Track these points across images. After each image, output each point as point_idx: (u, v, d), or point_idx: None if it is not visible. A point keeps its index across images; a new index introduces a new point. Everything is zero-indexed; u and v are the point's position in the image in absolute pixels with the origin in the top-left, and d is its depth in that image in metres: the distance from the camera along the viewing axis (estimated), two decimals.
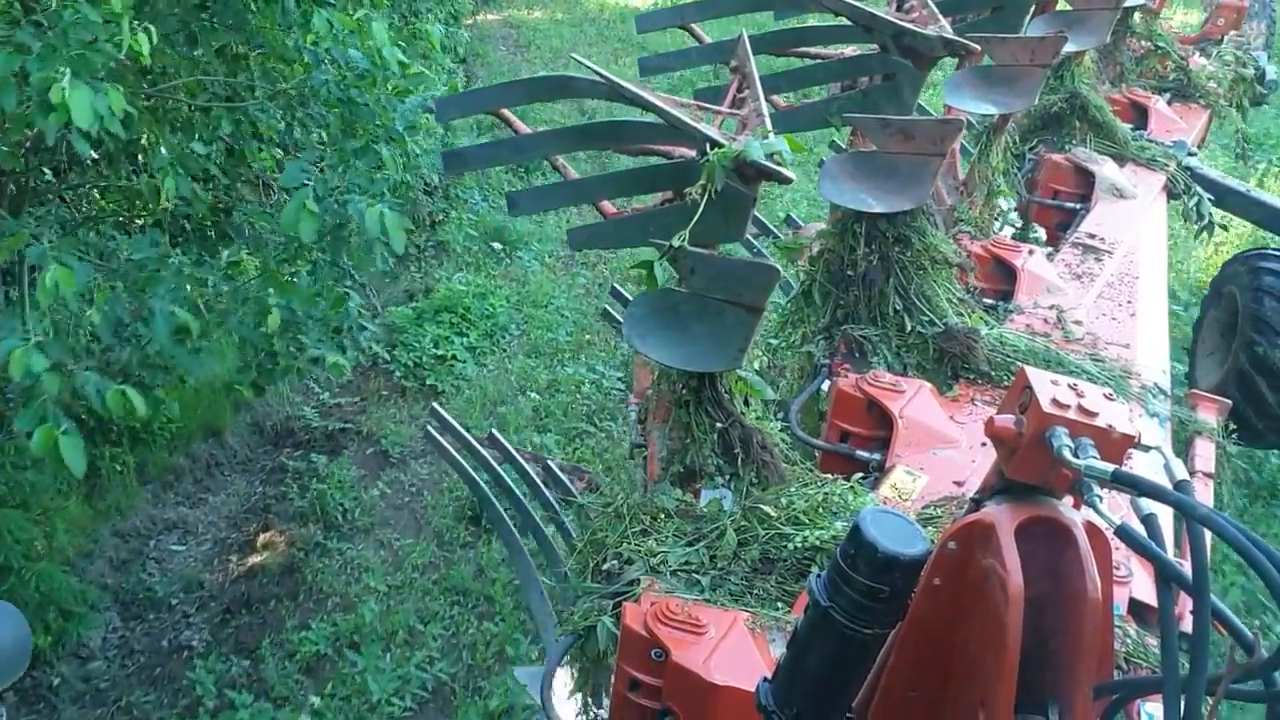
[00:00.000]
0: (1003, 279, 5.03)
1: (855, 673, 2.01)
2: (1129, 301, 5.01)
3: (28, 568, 6.23)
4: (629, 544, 3.19)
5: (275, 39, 5.44)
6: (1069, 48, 5.82)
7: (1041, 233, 6.11)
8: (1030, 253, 5.12)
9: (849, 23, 4.68)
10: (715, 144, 3.18)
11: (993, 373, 4.24)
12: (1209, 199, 6.63)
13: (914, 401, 3.92)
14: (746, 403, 3.52)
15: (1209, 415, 4.79)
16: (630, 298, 3.75)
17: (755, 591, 3.04)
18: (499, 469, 4.46)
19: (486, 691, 6.35)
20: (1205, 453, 4.54)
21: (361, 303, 5.67)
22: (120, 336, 4.82)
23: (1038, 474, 1.75)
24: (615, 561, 3.17)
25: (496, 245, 11.33)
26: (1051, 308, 4.77)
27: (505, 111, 4.02)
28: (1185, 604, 1.67)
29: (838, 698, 2.06)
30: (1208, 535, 1.63)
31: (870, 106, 4.59)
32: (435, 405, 4.94)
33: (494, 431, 4.58)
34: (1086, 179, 6.18)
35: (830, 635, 1.97)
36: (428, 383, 9.17)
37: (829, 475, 3.50)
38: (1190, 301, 9.27)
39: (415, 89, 5.21)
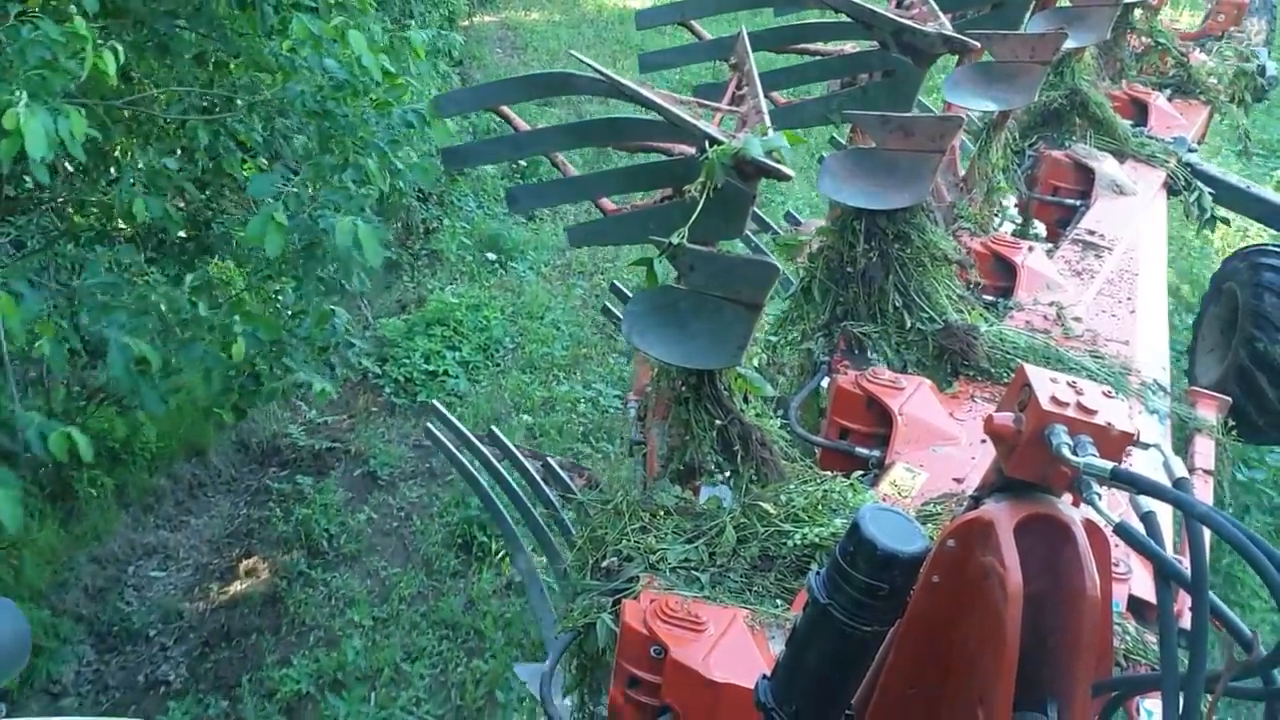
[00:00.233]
0: (1002, 276, 5.03)
1: (854, 670, 2.01)
2: (1129, 298, 5.01)
3: None
4: (628, 541, 3.19)
5: (252, 46, 5.24)
6: (1069, 44, 5.81)
7: (1041, 229, 6.11)
8: (1030, 249, 5.12)
9: (849, 19, 4.68)
10: (715, 141, 3.18)
11: (993, 370, 4.24)
12: (1209, 194, 6.63)
13: (914, 398, 3.93)
14: (746, 400, 3.52)
15: (1209, 412, 4.79)
16: (630, 294, 3.75)
17: (754, 589, 3.04)
18: (499, 466, 4.46)
19: None
20: (1205, 450, 4.54)
21: (349, 318, 5.50)
22: (77, 367, 4.73)
23: (1036, 471, 1.75)
24: (615, 559, 3.18)
25: (491, 255, 10.99)
26: (1051, 304, 4.77)
27: (505, 109, 4.02)
28: (1184, 601, 1.67)
29: (837, 695, 2.06)
30: (1206, 533, 1.63)
31: (870, 103, 4.58)
32: (435, 403, 4.94)
33: (494, 429, 4.58)
34: (1086, 175, 6.18)
35: (829, 633, 1.97)
36: (419, 399, 8.86)
37: (828, 472, 3.50)
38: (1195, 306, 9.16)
39: (399, 100, 5.00)
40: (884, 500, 3.36)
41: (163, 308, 4.86)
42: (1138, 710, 2.54)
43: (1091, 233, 5.56)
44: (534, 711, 6.21)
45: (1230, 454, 6.89)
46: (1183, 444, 4.62)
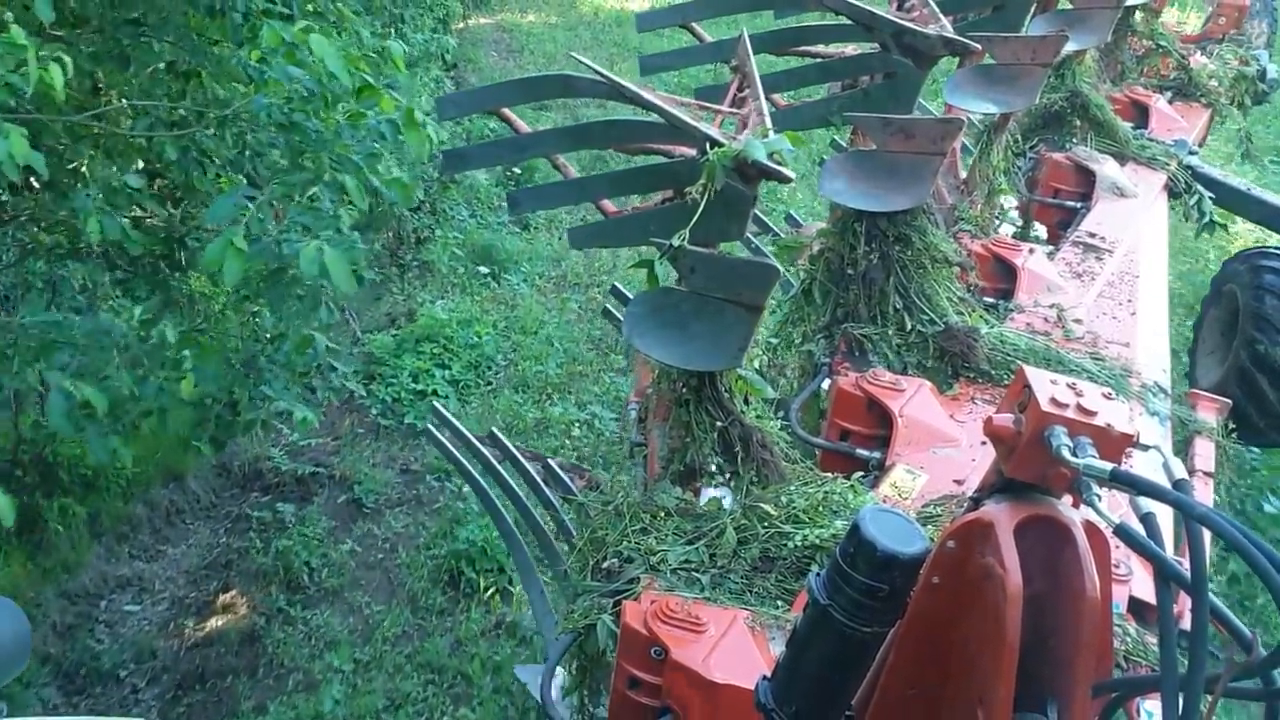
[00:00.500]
0: (1003, 278, 5.04)
1: (854, 671, 2.02)
2: (1129, 300, 5.01)
3: None
4: (629, 542, 3.19)
5: (220, 56, 4.97)
6: (1070, 47, 5.82)
7: (1042, 231, 6.12)
8: (1031, 251, 5.13)
9: (850, 22, 4.68)
10: (716, 143, 3.19)
11: (993, 371, 4.24)
12: (1210, 197, 6.63)
13: (914, 400, 3.93)
14: (746, 401, 3.52)
15: (1209, 414, 4.79)
16: (631, 296, 3.75)
17: (755, 590, 3.04)
18: (499, 468, 4.45)
19: None
20: (1205, 452, 4.54)
21: (330, 343, 5.17)
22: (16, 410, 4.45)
23: (1036, 473, 1.75)
24: (615, 560, 3.18)
25: (484, 269, 10.57)
26: (1052, 306, 4.78)
27: (506, 111, 4.02)
28: (1184, 602, 1.67)
29: (837, 696, 2.06)
30: (1206, 534, 1.63)
31: (871, 106, 4.59)
32: (436, 404, 4.94)
33: (494, 430, 4.57)
34: (1087, 178, 6.18)
35: (830, 634, 1.97)
36: (406, 420, 8.42)
37: (829, 474, 3.51)
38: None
39: (374, 110, 4.64)
40: (884, 502, 3.37)
41: (124, 335, 4.58)
42: (1138, 711, 2.54)
43: (1092, 235, 5.56)
44: None
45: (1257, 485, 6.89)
46: (1183, 446, 4.62)
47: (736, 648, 2.77)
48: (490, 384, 8.93)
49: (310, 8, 5.21)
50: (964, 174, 5.57)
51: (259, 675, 6.35)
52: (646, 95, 3.47)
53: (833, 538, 3.06)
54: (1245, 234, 9.90)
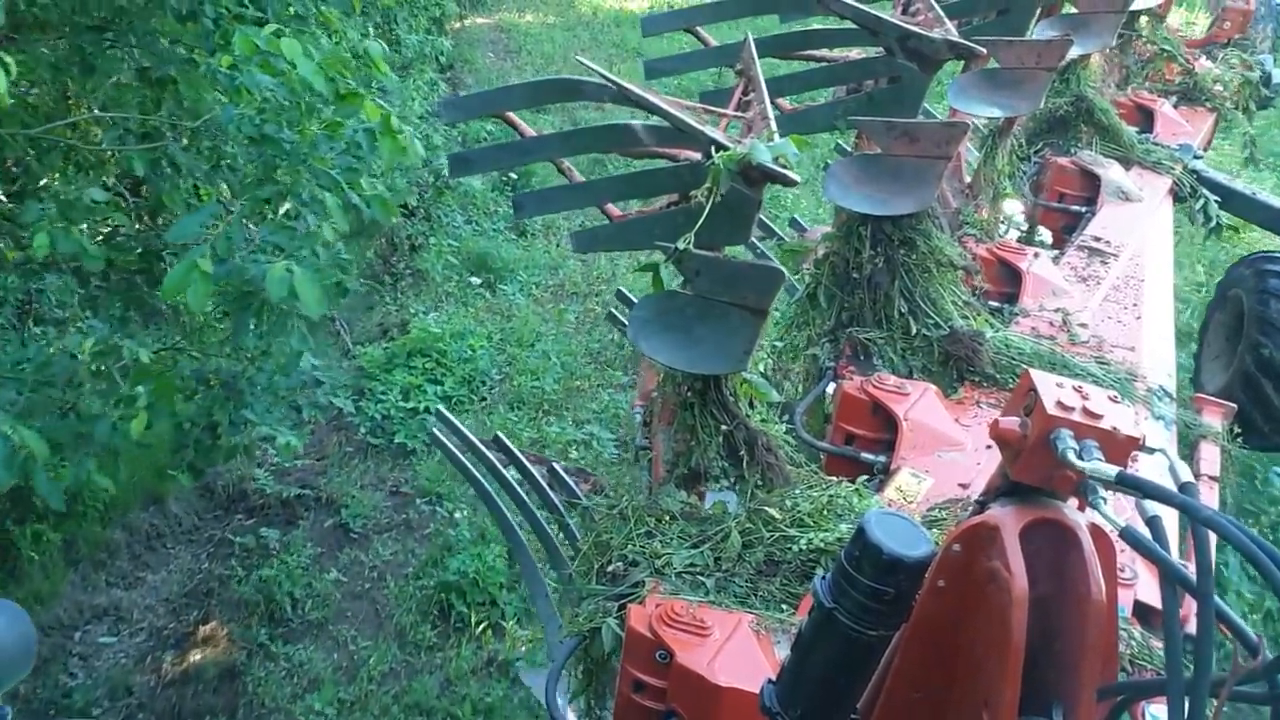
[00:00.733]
0: (1008, 282, 5.03)
1: (860, 674, 2.02)
2: (1134, 304, 5.01)
3: None
4: (634, 546, 3.19)
5: (190, 64, 4.69)
6: (1075, 51, 5.82)
7: (1047, 235, 6.11)
8: (1035, 256, 5.13)
9: (854, 26, 4.68)
10: (721, 147, 3.19)
11: (998, 375, 4.24)
12: (1215, 201, 6.63)
13: (919, 404, 3.93)
14: (751, 405, 3.52)
15: (1214, 419, 4.78)
16: (635, 300, 3.75)
17: (760, 593, 3.04)
18: (504, 472, 4.45)
19: None
20: (1210, 456, 4.53)
21: (316, 361, 4.99)
22: None
23: (1042, 476, 1.75)
24: (620, 563, 3.18)
25: (476, 280, 10.28)
26: (1057, 310, 4.77)
27: (511, 115, 4.02)
28: (1190, 606, 1.67)
29: (842, 699, 2.06)
30: (1212, 538, 1.63)
31: (876, 109, 4.59)
32: (440, 408, 4.94)
33: (499, 434, 4.57)
34: (1092, 182, 6.18)
35: (835, 637, 1.97)
36: (396, 439, 8.09)
37: (834, 478, 3.50)
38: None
39: (353, 119, 4.40)
40: (889, 505, 3.37)
41: (75, 367, 4.27)
42: (1143, 715, 2.54)
43: (1097, 239, 5.56)
44: None
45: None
46: (1188, 450, 4.62)
47: (741, 651, 2.77)
48: (485, 400, 8.65)
49: (291, 11, 4.99)
50: (969, 178, 5.57)
51: (238, 716, 6.11)
52: (652, 99, 3.48)
53: (837, 541, 3.06)
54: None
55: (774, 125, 3.37)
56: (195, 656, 6.41)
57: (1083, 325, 4.69)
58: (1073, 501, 1.78)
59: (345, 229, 4.42)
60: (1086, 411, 1.72)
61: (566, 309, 9.98)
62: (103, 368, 4.35)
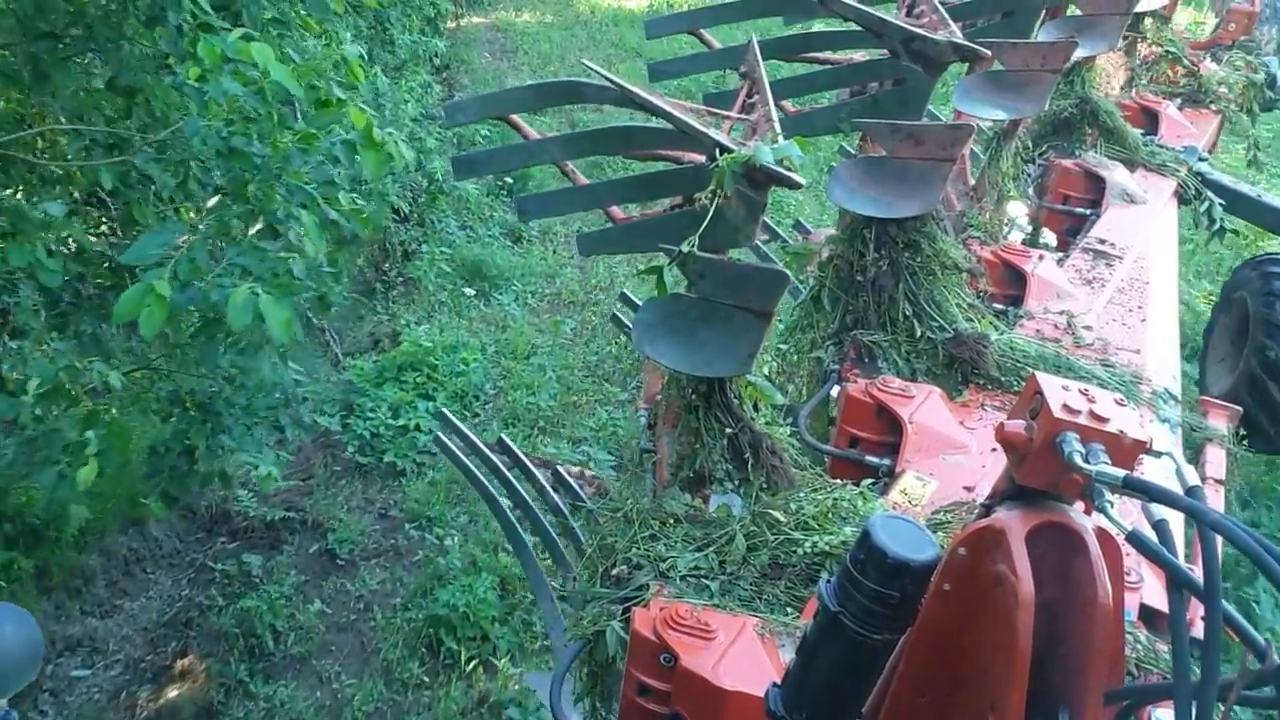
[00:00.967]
0: (1013, 284, 5.03)
1: (865, 678, 2.01)
2: (1139, 307, 5.00)
3: None
4: (638, 549, 3.19)
5: (153, 73, 4.42)
6: (1080, 53, 5.81)
7: (1052, 238, 6.10)
8: (1040, 258, 5.12)
9: (859, 28, 4.68)
10: (725, 149, 3.18)
11: (1002, 378, 4.24)
12: (1220, 204, 6.62)
13: (923, 407, 3.92)
14: (756, 408, 3.52)
15: (1219, 422, 4.77)
16: (639, 302, 3.75)
17: (764, 597, 3.04)
18: (508, 474, 4.45)
19: None
20: (1216, 459, 4.52)
21: (300, 376, 4.69)
22: None
23: (1048, 479, 1.74)
24: (624, 567, 3.18)
25: (470, 290, 9.98)
26: (1061, 313, 4.77)
27: (515, 117, 4.02)
28: (1195, 610, 1.66)
29: (847, 703, 2.05)
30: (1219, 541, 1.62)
31: (880, 112, 4.59)
32: (444, 410, 4.94)
33: (503, 437, 4.57)
34: (1097, 184, 6.17)
35: (840, 641, 1.97)
36: (385, 459, 7.75)
37: (838, 480, 3.50)
38: None
39: (330, 129, 4.10)
40: (894, 508, 3.36)
41: (30, 403, 4.00)
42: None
43: (1102, 241, 5.55)
44: None
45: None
46: (1193, 453, 4.61)
47: (746, 655, 2.77)
48: (478, 416, 8.35)
49: (269, 15, 4.70)
50: (973, 180, 5.57)
51: None
52: (656, 101, 3.47)
53: (842, 544, 3.06)
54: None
55: (778, 128, 3.36)
56: (171, 693, 6.11)
57: (1087, 328, 4.69)
58: (1079, 505, 1.77)
59: (322, 248, 4.17)
60: (1093, 415, 1.71)
61: (563, 320, 9.68)
62: (48, 410, 4.09)
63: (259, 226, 4.06)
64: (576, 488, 4.30)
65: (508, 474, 4.40)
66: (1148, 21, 7.69)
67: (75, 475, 3.89)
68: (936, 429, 3.85)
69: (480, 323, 9.55)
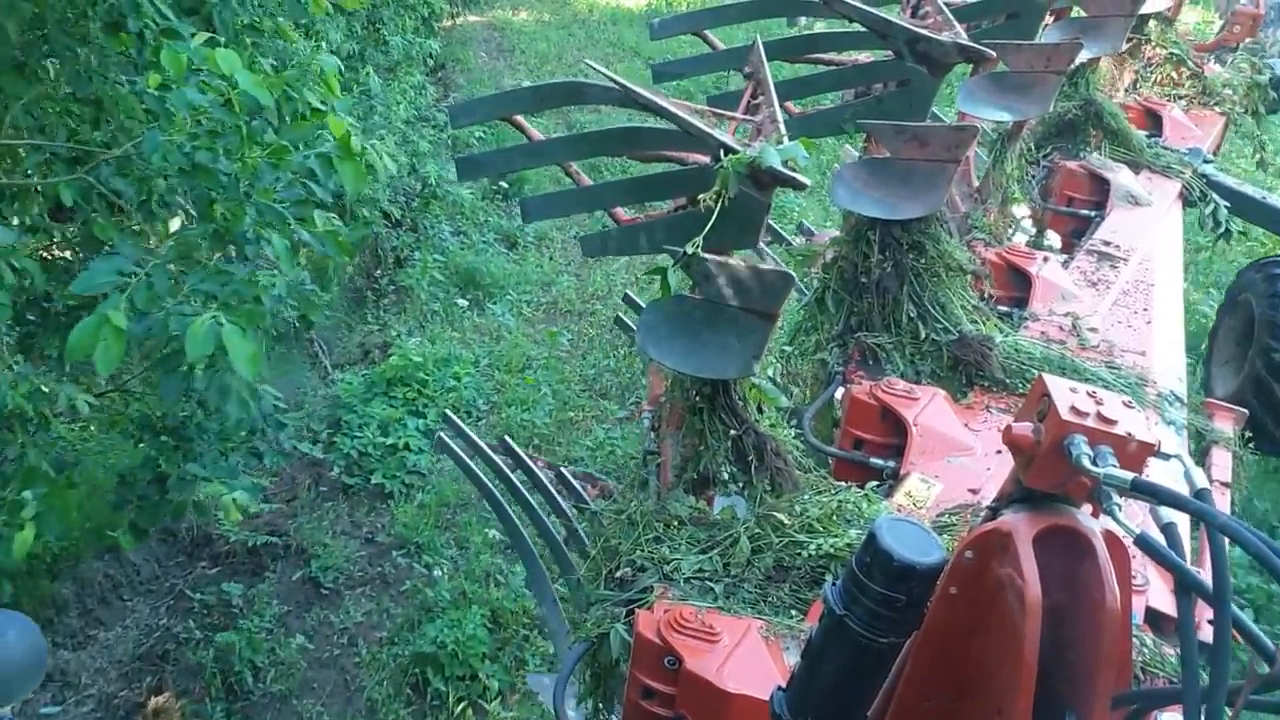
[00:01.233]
0: (1017, 286, 5.02)
1: (870, 682, 2.00)
2: (1144, 309, 4.99)
3: None
4: (642, 551, 3.18)
5: (111, 85, 4.17)
6: (1084, 54, 5.80)
7: (1056, 240, 6.09)
8: (1045, 260, 5.11)
9: (863, 29, 4.67)
10: (730, 150, 3.18)
11: (1007, 380, 4.22)
12: (1225, 206, 6.60)
13: (928, 409, 3.91)
14: (760, 410, 3.51)
15: (1225, 424, 4.76)
16: (644, 304, 3.74)
17: (769, 599, 3.03)
18: (512, 476, 4.45)
19: None
20: (1222, 462, 4.51)
21: (278, 399, 4.37)
22: None
23: (1056, 482, 1.73)
24: (629, 569, 3.17)
25: (462, 301, 9.67)
26: (1066, 315, 4.76)
27: (518, 118, 4.02)
28: (1203, 613, 1.65)
29: (853, 707, 2.04)
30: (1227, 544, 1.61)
31: (884, 113, 4.58)
32: (447, 411, 4.93)
33: (506, 438, 4.57)
34: (1102, 186, 6.16)
35: (845, 644, 1.96)
36: (373, 480, 7.40)
37: (843, 483, 3.49)
38: None
39: (303, 144, 3.82)
40: (899, 511, 3.35)
41: None
42: None
43: (1107, 243, 5.54)
44: None
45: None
46: (1199, 456, 4.59)
47: (750, 658, 2.76)
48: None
49: (240, 21, 4.42)
50: (978, 182, 5.55)
51: None
52: (661, 102, 3.47)
53: (847, 547, 3.05)
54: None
55: (783, 129, 3.36)
56: None
57: (1092, 330, 4.67)
58: (1087, 508, 1.76)
59: (294, 273, 3.90)
60: (1101, 417, 1.70)
61: (560, 331, 9.35)
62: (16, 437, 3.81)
63: (224, 249, 3.81)
64: (580, 489, 4.30)
65: (511, 475, 4.40)
66: (1152, 23, 7.68)
67: (12, 540, 3.63)
68: (941, 431, 3.84)
69: (473, 333, 9.23)
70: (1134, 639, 2.67)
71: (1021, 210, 5.81)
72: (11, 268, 3.71)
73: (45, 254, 4.65)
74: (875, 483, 3.75)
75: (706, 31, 5.23)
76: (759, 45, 4.09)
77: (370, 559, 6.92)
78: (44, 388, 3.97)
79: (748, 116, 3.74)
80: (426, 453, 7.56)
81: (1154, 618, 3.05)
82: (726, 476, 3.42)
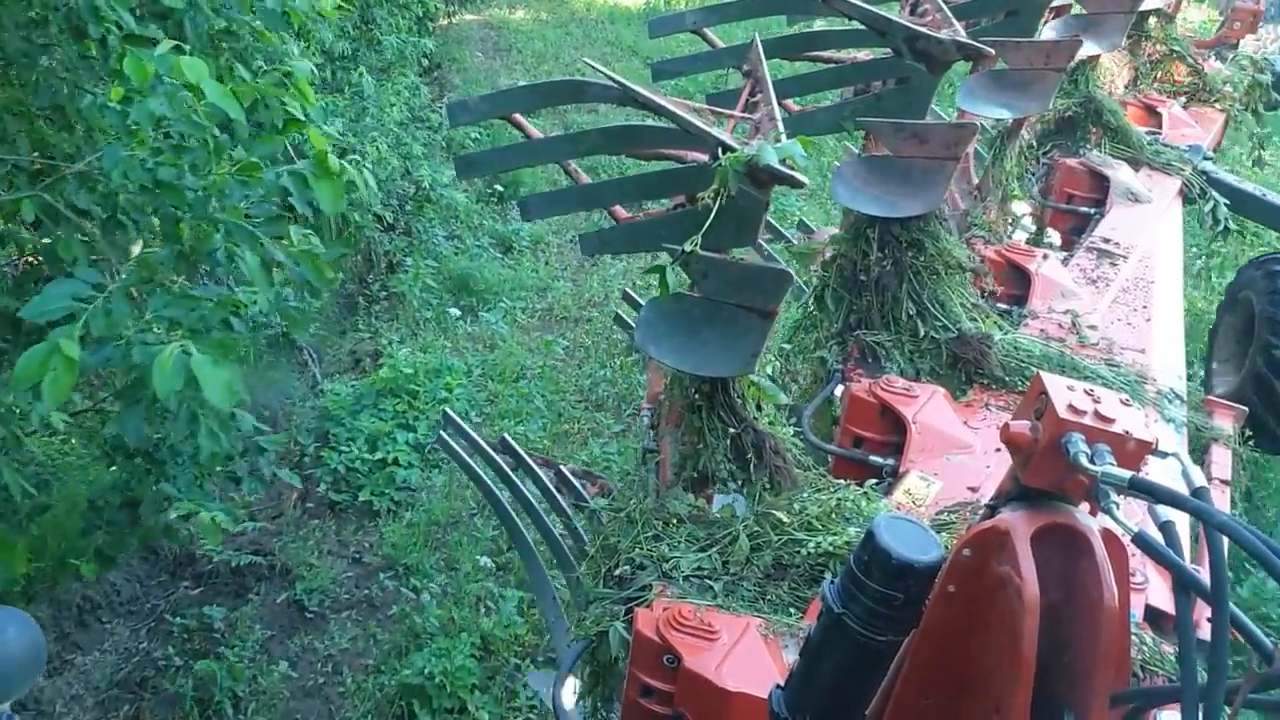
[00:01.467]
0: (1017, 284, 5.02)
1: (869, 680, 2.00)
2: (1144, 306, 4.99)
3: None
4: (641, 549, 3.18)
5: (71, 97, 3.89)
6: (1084, 52, 5.80)
7: (1056, 237, 6.09)
8: (1045, 257, 5.11)
9: (862, 26, 4.67)
10: (728, 148, 3.18)
11: (1007, 378, 4.22)
12: (1225, 203, 6.60)
13: (927, 407, 3.91)
14: (759, 408, 3.51)
15: (1225, 422, 4.76)
16: (643, 302, 3.74)
17: (768, 597, 3.03)
18: (512, 474, 4.45)
19: None
20: (1222, 460, 4.51)
21: (255, 426, 4.12)
22: None
23: (1053, 480, 1.73)
24: (628, 567, 3.17)
25: (455, 311, 9.43)
26: (1066, 313, 4.76)
27: (518, 117, 4.02)
28: (1202, 611, 1.65)
29: (851, 705, 2.04)
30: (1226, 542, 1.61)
31: (884, 111, 4.58)
32: (447, 410, 4.93)
33: (506, 436, 4.57)
34: (1101, 183, 6.16)
35: (844, 642, 1.96)
36: (360, 497, 7.15)
37: (842, 481, 3.49)
38: None
39: (271, 159, 3.57)
40: (898, 509, 3.35)
41: None
42: None
43: (1106, 241, 5.54)
44: None
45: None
46: (1199, 454, 4.59)
47: (749, 656, 2.76)
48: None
49: (218, 26, 4.14)
50: (977, 179, 5.55)
51: None
52: (659, 100, 3.47)
53: (846, 545, 3.05)
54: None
55: (781, 127, 3.36)
56: None
57: (1092, 327, 4.67)
58: (1085, 506, 1.76)
59: (271, 294, 3.61)
60: (1098, 415, 1.70)
61: (555, 339, 9.09)
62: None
63: (190, 272, 3.56)
64: (580, 487, 4.30)
65: (511, 474, 4.40)
66: (1152, 20, 7.68)
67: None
68: (940, 429, 3.84)
69: (466, 341, 9.00)
70: (1133, 637, 2.67)
71: (1021, 207, 5.81)
72: None
73: (25, 264, 4.46)
74: (874, 480, 3.75)
75: (705, 29, 5.23)
76: (757, 43, 4.09)
77: (357, 580, 6.69)
78: (15, 407, 3.73)
79: (746, 115, 3.74)
80: (416, 468, 7.35)
81: (1154, 615, 3.05)
82: (725, 474, 3.42)
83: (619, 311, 5.61)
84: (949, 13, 4.67)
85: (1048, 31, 5.97)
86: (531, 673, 5.79)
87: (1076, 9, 6.37)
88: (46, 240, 3.88)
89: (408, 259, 9.87)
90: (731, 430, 3.41)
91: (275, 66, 3.71)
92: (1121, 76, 7.39)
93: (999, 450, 3.61)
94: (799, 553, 3.10)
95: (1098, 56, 6.50)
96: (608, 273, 10.12)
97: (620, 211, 3.84)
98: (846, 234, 4.43)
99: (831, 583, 1.99)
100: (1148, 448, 1.71)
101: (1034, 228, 6.18)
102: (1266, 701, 1.65)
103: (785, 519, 3.18)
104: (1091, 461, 1.66)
